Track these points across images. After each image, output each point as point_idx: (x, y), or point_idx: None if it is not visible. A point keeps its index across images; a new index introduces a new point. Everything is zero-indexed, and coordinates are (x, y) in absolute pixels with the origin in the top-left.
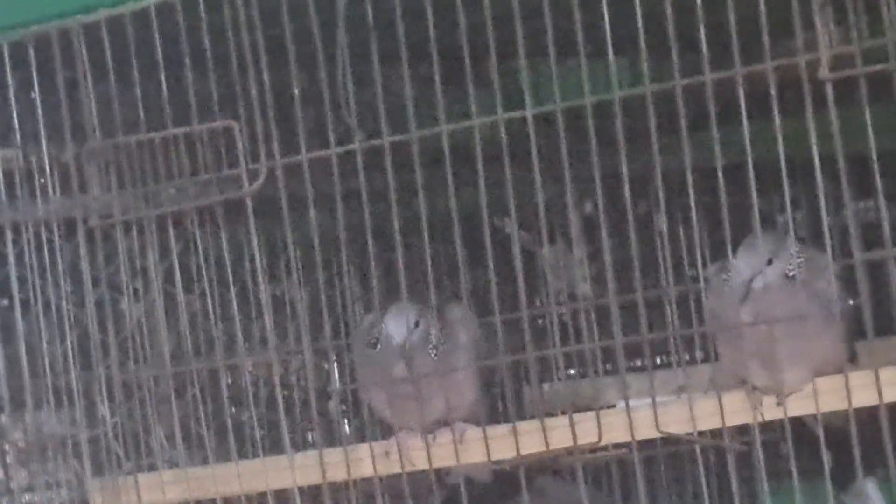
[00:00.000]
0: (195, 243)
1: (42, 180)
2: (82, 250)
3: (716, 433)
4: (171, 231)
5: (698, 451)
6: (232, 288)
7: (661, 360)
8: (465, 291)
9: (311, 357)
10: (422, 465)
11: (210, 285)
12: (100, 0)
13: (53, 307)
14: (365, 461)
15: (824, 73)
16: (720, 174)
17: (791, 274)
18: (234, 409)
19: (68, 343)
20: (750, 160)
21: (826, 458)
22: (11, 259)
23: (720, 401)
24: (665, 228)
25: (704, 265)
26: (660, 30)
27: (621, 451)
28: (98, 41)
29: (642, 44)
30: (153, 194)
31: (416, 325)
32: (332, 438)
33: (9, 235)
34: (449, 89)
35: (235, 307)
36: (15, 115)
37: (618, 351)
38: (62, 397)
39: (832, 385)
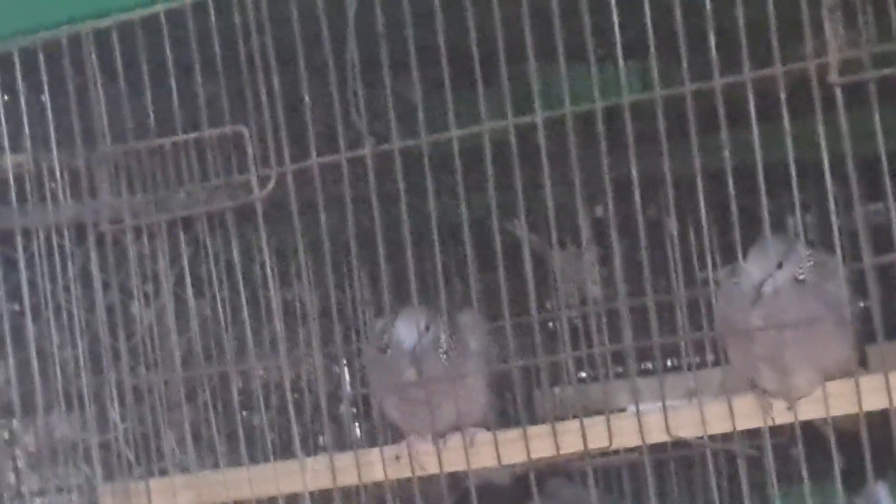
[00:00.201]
0: (206, 248)
1: (53, 185)
2: (93, 255)
3: (726, 437)
4: (182, 236)
5: (709, 454)
6: (242, 292)
7: (672, 364)
8: (476, 295)
9: (321, 361)
10: (432, 469)
11: (220, 290)
12: (110, 5)
13: (64, 312)
14: (376, 465)
15: (834, 77)
16: (730, 177)
17: (801, 277)
18: (244, 414)
19: (79, 348)
20: (759, 163)
21: (837, 461)
22: (22, 264)
23: (731, 404)
24: (675, 232)
25: (714, 268)
26: (669, 34)
27: (632, 455)
28: (108, 47)
29: (652, 48)
30: (163, 199)
31: (427, 329)
32: (342, 443)
33: (19, 240)
34: (459, 94)
35: (246, 312)
36: (25, 120)
37: (628, 355)
38: (73, 402)
39: (843, 389)
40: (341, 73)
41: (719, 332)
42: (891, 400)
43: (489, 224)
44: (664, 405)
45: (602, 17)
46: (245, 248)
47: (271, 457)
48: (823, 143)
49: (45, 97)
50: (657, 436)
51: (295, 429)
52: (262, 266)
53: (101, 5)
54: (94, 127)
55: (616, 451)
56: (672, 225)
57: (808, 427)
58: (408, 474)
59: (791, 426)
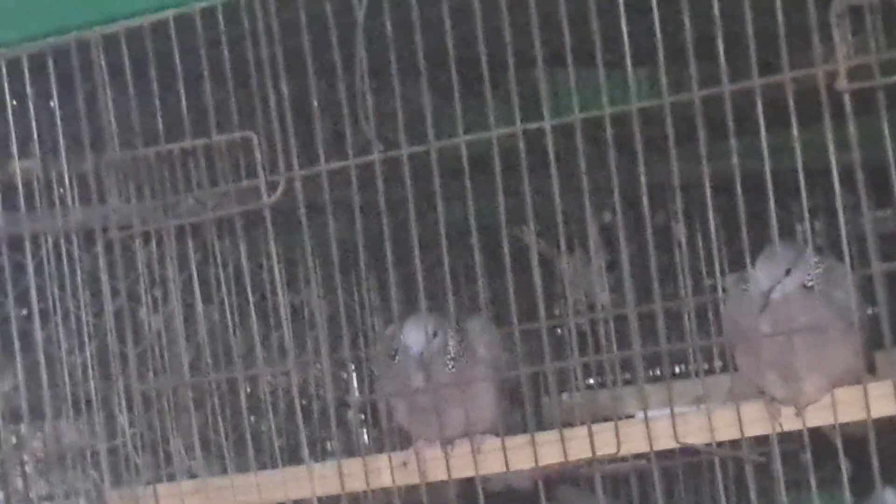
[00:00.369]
0: (214, 254)
1: (61, 191)
2: (101, 261)
3: (734, 444)
4: (190, 242)
5: (717, 461)
6: (251, 298)
7: (680, 370)
8: (484, 301)
9: (329, 367)
10: (440, 475)
11: (229, 296)
12: (119, 11)
13: (73, 317)
14: (384, 471)
15: (842, 84)
16: (738, 184)
17: (809, 284)
18: (252, 419)
19: (87, 353)
20: (768, 170)
21: (845, 468)
22: (31, 269)
23: (739, 411)
24: (683, 238)
25: (723, 275)
26: (678, 40)
27: (640, 461)
28: (117, 52)
29: (661, 54)
30: (172, 205)
31: (435, 335)
32: (350, 449)
33: (28, 246)
34: (467, 100)
35: (254, 317)
36: (34, 125)
37: (636, 361)
38: (81, 407)
39: (851, 395)
40: (350, 78)
41: (727, 338)
42: None
43: (497, 230)
44: (672, 412)
45: (611, 24)
46: (253, 253)
47: (279, 462)
48: (832, 150)
49: (54, 103)
50: (665, 442)
51: (303, 434)
52: (271, 272)
53: (110, 11)
54: (103, 132)
55: (624, 458)
56: (680, 231)
57: (817, 433)
58: (416, 481)
59: (799, 433)
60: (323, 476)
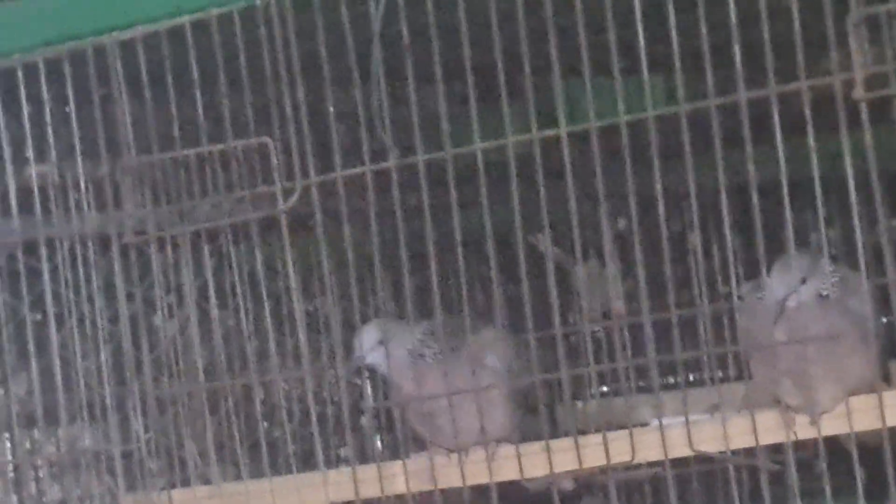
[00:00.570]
0: (229, 259)
1: (77, 196)
2: (116, 266)
3: (749, 452)
4: (206, 247)
5: (731, 469)
6: (266, 304)
7: (695, 378)
8: (499, 308)
9: (344, 373)
10: (455, 482)
11: (244, 301)
12: (136, 17)
13: (88, 322)
14: (398, 478)
15: (859, 92)
16: (754, 192)
17: (825, 293)
18: (267, 425)
19: (102, 358)
20: (784, 178)
21: (859, 476)
22: (46, 274)
23: (754, 419)
24: (699, 246)
25: (738, 283)
26: (694, 48)
27: (654, 469)
28: (133, 58)
29: (677, 62)
30: (187, 211)
31: (385, 341)
32: (364, 455)
33: (44, 251)
34: (484, 107)
35: (269, 323)
36: (50, 130)
37: (651, 369)
38: (96, 412)
39: (866, 404)
40: (366, 85)
41: (742, 346)
42: None
43: (513, 237)
44: (687, 419)
45: (627, 31)
46: (269, 259)
47: (293, 468)
48: (848, 158)
49: (70, 108)
50: (680, 450)
51: (317, 440)
52: (286, 277)
53: (127, 17)
54: (119, 138)
55: (638, 466)
56: (696, 239)
57: (831, 442)
58: (430, 487)
59: (814, 441)
60: (337, 482)
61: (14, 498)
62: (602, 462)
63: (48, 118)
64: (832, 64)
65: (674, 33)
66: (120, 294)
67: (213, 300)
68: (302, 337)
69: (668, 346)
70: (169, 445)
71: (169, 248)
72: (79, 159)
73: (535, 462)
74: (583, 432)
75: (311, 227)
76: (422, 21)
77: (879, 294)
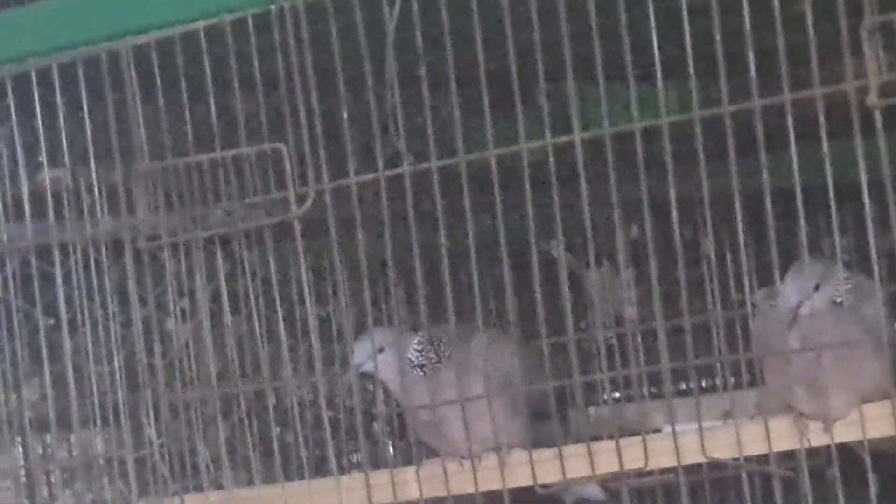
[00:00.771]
0: (242, 265)
1: (90, 201)
2: (130, 271)
3: (762, 459)
4: (219, 253)
5: (744, 476)
6: (279, 309)
7: (708, 385)
8: (512, 314)
9: (356, 379)
10: (468, 488)
11: (257, 307)
12: (150, 22)
13: (100, 327)
14: (411, 484)
15: (873, 99)
16: (768, 199)
17: (838, 300)
18: (279, 431)
19: (115, 363)
20: (798, 185)
21: (873, 483)
22: (59, 279)
23: (766, 426)
24: (712, 253)
25: (751, 290)
26: (709, 55)
27: (667, 476)
28: (147, 63)
29: (691, 69)
30: (201, 216)
31: (381, 350)
32: (377, 460)
33: (57, 255)
34: (497, 113)
35: (282, 329)
36: (64, 135)
37: (664, 375)
38: (108, 417)
39: (879, 411)
40: (380, 90)
41: (756, 353)
42: None
43: (526, 243)
44: (700, 426)
45: (641, 38)
46: (282, 265)
47: (306, 474)
48: (862, 165)
49: (84, 113)
50: (692, 457)
51: (330, 446)
52: (299, 283)
53: (141, 22)
54: (133, 143)
55: (651, 472)
56: (709, 246)
57: (844, 449)
58: (442, 493)
59: (827, 448)
60: (350, 488)
61: (26, 503)
62: (615, 468)
63: (62, 123)
64: (846, 71)
65: (688, 40)
66: (133, 299)
67: (226, 306)
68: (315, 342)
69: (682, 353)
70: (181, 451)
71: (182, 254)
72: (92, 164)
73: (548, 468)
74: (596, 438)
75: (324, 232)
76: (436, 27)
77: (893, 301)
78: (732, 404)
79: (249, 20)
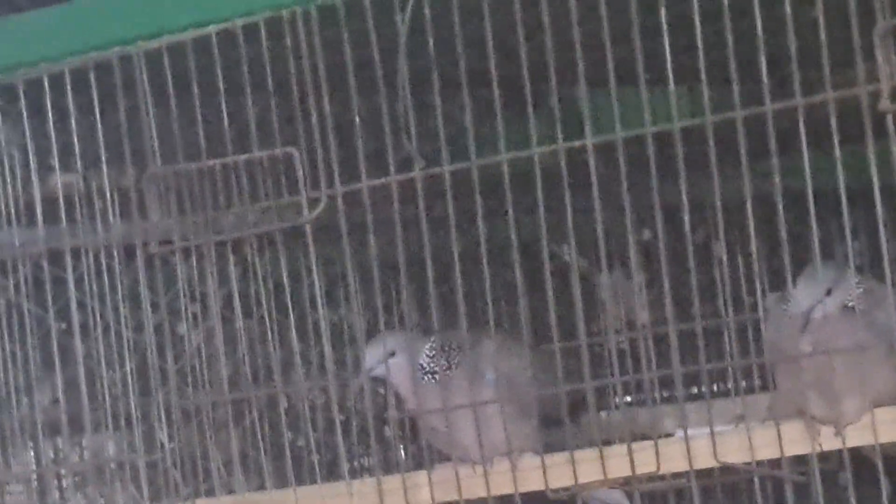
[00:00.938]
0: (254, 269)
1: (102, 205)
2: (141, 275)
3: (774, 463)
4: (231, 257)
5: (756, 481)
6: (291, 314)
7: (719, 389)
8: (524, 318)
9: (368, 383)
10: (480, 493)
11: (269, 311)
12: (162, 27)
13: (112, 332)
14: (423, 488)
15: (885, 104)
16: (780, 203)
17: (850, 304)
18: (291, 435)
19: (127, 368)
20: (810, 189)
21: (885, 488)
22: (71, 283)
23: (778, 430)
24: (724, 257)
25: (763, 294)
26: (721, 59)
27: (679, 480)
28: (159, 67)
29: (703, 73)
30: (213, 221)
31: (392, 354)
32: (389, 465)
33: (69, 260)
34: (509, 117)
35: (294, 333)
36: (76, 140)
37: (676, 379)
38: (120, 421)
39: (891, 415)
40: (392, 95)
41: (768, 357)
42: None
43: (538, 247)
44: (712, 430)
45: (653, 42)
46: (294, 269)
47: (318, 478)
48: (874, 169)
49: (96, 117)
50: (704, 461)
51: (342, 450)
52: (311, 287)
53: (153, 27)
54: (145, 147)
55: (663, 477)
56: (721, 250)
57: (856, 453)
58: (455, 497)
59: (839, 452)
60: (361, 492)
61: None
62: (627, 473)
63: (74, 127)
64: (858, 75)
65: (700, 44)
66: (145, 303)
67: (238, 310)
68: (327, 347)
69: (693, 357)
70: (193, 455)
71: (194, 258)
72: (104, 169)
73: (560, 473)
74: (608, 443)
75: (336, 237)
76: (448, 31)
77: None
78: (744, 409)
79: (261, 24)
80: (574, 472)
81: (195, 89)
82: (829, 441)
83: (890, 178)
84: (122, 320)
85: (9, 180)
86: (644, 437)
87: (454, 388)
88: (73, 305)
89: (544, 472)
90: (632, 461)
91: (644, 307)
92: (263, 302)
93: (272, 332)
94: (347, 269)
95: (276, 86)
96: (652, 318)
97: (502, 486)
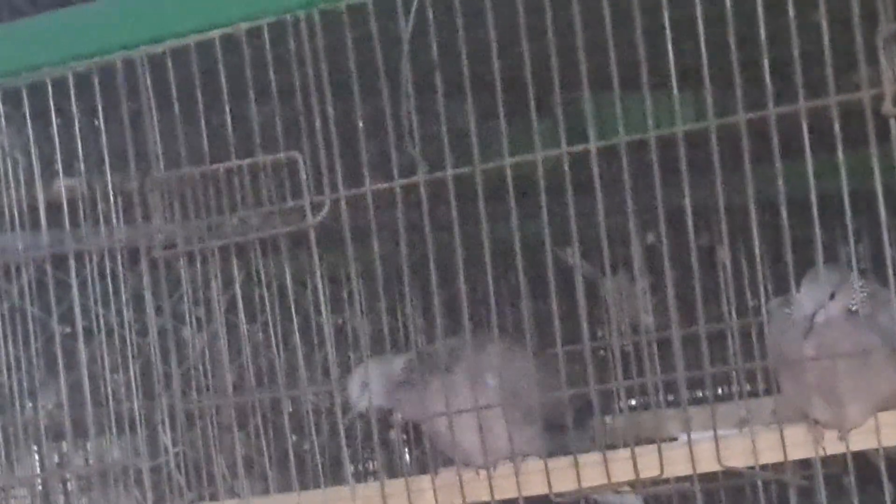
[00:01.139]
0: (258, 273)
1: (106, 210)
2: (145, 279)
3: (778, 467)
4: (235, 261)
5: (760, 485)
6: (294, 318)
7: (723, 392)
8: (528, 322)
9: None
10: (483, 496)
11: (272, 315)
12: (165, 31)
13: (116, 336)
14: (426, 492)
15: (888, 108)
16: (783, 207)
17: (854, 308)
18: (295, 439)
19: (131, 372)
20: (813, 193)
21: (888, 491)
22: (75, 287)
23: (782, 434)
24: (728, 261)
25: (767, 298)
26: (724, 63)
27: (683, 484)
28: (163, 72)
29: (706, 77)
30: (216, 225)
31: (366, 385)
32: (393, 469)
33: (73, 264)
34: (513, 122)
35: (298, 337)
36: (79, 144)
37: (680, 383)
38: (124, 426)
39: (894, 419)
40: (395, 100)
41: (771, 361)
42: None
43: (542, 251)
44: (715, 434)
45: (656, 46)
46: (297, 273)
47: (322, 482)
48: (877, 173)
49: (100, 122)
50: (708, 465)
51: (346, 454)
52: (315, 292)
53: (156, 31)
54: (148, 152)
55: (667, 480)
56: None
57: (860, 457)
58: (458, 502)
59: (843, 456)
60: (365, 496)
61: None
62: (630, 476)
63: (77, 132)
64: (861, 79)
65: (703, 48)
66: (149, 308)
67: (241, 314)
68: (330, 350)
69: (697, 361)
70: (197, 459)
71: (198, 262)
72: (108, 173)
73: (564, 477)
74: (611, 447)
75: (339, 241)
76: (451, 35)
77: None
78: (748, 412)
79: (265, 29)
80: (578, 475)
81: (199, 94)
82: (832, 445)
83: (893, 181)
84: (126, 324)
85: (12, 184)
86: (648, 441)
87: (455, 393)
88: (77, 310)
89: (548, 476)
90: (635, 465)
91: (648, 311)
92: (267, 306)
93: (276, 336)
94: (351, 274)
95: (279, 90)
96: (656, 322)
97: (506, 491)
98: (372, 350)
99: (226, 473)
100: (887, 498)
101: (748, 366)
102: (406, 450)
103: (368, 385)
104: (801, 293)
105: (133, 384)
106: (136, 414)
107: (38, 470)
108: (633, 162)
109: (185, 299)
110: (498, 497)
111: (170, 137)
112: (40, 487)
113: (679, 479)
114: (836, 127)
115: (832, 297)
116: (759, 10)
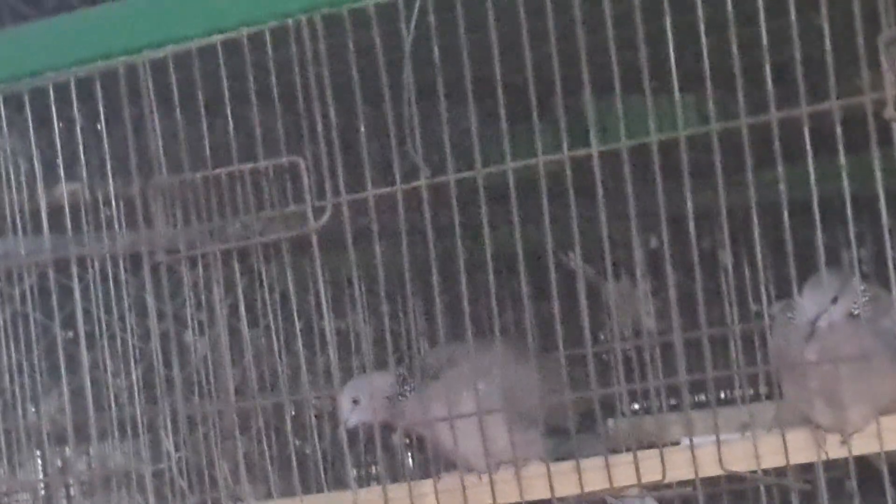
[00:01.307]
0: (260, 278)
1: (108, 214)
2: (148, 284)
3: (780, 471)
4: (237, 266)
5: (762, 489)
6: (297, 322)
7: (725, 397)
8: (530, 326)
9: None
10: (486, 501)
11: (275, 320)
12: (167, 36)
13: (119, 341)
14: (429, 497)
15: (890, 111)
16: (785, 211)
17: (856, 312)
18: (298, 443)
19: (133, 376)
20: (815, 197)
21: (890, 496)
22: (77, 292)
23: (784, 439)
24: (730, 265)
25: (769, 302)
26: (726, 67)
27: (685, 488)
28: (165, 77)
29: (708, 81)
30: (219, 230)
31: (357, 402)
32: (395, 473)
33: (75, 269)
34: (515, 126)
35: (300, 342)
36: (81, 149)
37: (682, 387)
38: (127, 430)
39: None
40: (397, 104)
41: (773, 365)
42: None
43: (544, 256)
44: (718, 438)
45: (658, 50)
46: (300, 278)
47: (324, 487)
48: (879, 177)
49: (102, 126)
50: (710, 469)
51: (348, 459)
52: (317, 296)
53: (158, 36)
54: (150, 156)
55: (669, 485)
56: (727, 258)
57: (862, 461)
58: None
59: (845, 461)
60: (368, 501)
61: None
62: (633, 481)
63: (79, 137)
64: (863, 83)
65: (705, 52)
66: (151, 312)
67: (243, 319)
68: (333, 355)
69: (699, 365)
70: (200, 464)
71: (200, 267)
72: (110, 178)
73: (566, 481)
74: (614, 451)
75: (342, 245)
76: (453, 40)
77: None
78: (750, 417)
79: (267, 34)
80: (580, 480)
81: (201, 98)
82: (834, 449)
83: (895, 185)
84: (129, 329)
85: (15, 190)
86: (650, 445)
87: (443, 400)
88: (79, 314)
89: (550, 481)
90: (637, 469)
91: (650, 315)
92: (269, 310)
93: (278, 341)
94: (353, 278)
95: (281, 95)
96: (658, 326)
97: (508, 495)
98: (374, 354)
99: (228, 478)
100: (889, 502)
101: (750, 370)
102: (409, 454)
103: (359, 402)
104: (803, 297)
105: (135, 389)
106: (139, 418)
107: (41, 475)
108: (635, 166)
109: (188, 304)
110: (500, 501)
111: (172, 142)
112: (43, 492)
113: (681, 484)
114: (838, 131)
115: (834, 301)
116: (761, 13)
